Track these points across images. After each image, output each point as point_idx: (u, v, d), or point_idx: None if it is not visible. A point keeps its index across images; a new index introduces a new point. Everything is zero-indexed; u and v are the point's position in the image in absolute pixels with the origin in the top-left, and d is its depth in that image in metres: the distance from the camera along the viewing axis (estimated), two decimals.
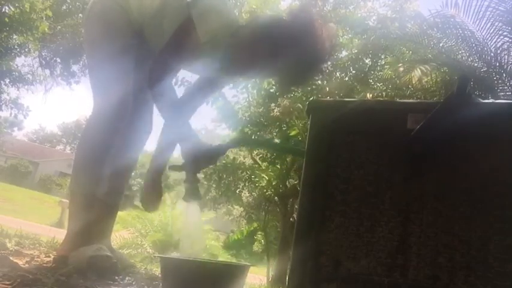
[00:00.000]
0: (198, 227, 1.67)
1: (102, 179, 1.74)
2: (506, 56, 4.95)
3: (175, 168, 1.59)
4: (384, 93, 5.77)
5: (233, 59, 1.63)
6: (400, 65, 5.40)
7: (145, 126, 1.92)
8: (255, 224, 8.29)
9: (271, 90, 6.44)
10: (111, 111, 1.70)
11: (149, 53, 1.80)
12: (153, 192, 1.84)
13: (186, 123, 1.65)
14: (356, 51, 6.63)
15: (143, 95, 1.83)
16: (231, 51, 1.62)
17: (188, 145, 1.55)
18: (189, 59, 1.63)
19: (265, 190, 6.71)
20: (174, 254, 1.43)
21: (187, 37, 1.57)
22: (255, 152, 6.88)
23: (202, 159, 1.53)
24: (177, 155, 1.86)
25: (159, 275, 1.98)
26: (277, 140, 6.27)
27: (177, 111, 1.65)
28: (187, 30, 1.56)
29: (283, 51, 1.49)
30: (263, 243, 8.14)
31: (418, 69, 4.92)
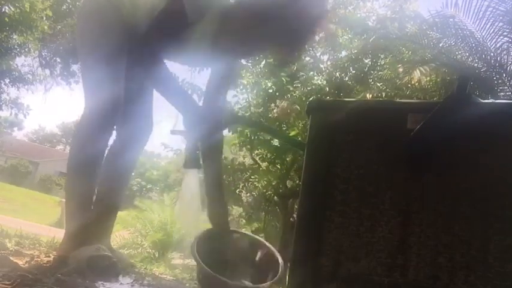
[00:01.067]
0: (195, 201, 1.66)
1: (102, 179, 1.74)
2: (506, 56, 4.95)
3: (175, 132, 1.59)
4: (383, 93, 5.76)
5: (226, 38, 1.61)
6: (400, 65, 5.40)
7: (146, 126, 1.91)
8: (256, 225, 8.29)
9: (271, 91, 6.44)
10: (102, 111, 1.70)
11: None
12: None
13: (187, 95, 1.62)
14: (356, 51, 6.62)
15: (144, 94, 1.82)
16: (224, 31, 1.60)
17: (189, 114, 1.55)
18: (177, 39, 1.60)
19: (264, 190, 6.71)
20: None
21: (174, 14, 1.54)
22: (255, 152, 6.88)
23: (204, 127, 1.53)
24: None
25: (159, 275, 1.99)
26: (277, 142, 6.27)
27: (183, 95, 1.61)
28: (175, 8, 1.54)
29: (275, 20, 1.48)
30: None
31: (418, 70, 4.92)
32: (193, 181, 1.53)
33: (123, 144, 1.78)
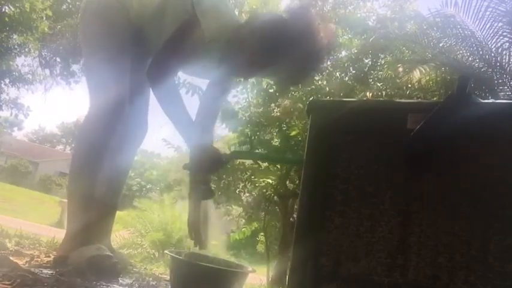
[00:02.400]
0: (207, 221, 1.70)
1: (99, 180, 1.74)
2: (506, 56, 4.95)
3: (187, 167, 1.61)
4: (383, 93, 5.76)
5: (232, 58, 1.64)
6: (400, 65, 5.40)
7: (141, 126, 1.91)
8: (256, 224, 8.31)
9: (271, 91, 6.43)
10: (107, 111, 1.70)
11: (146, 51, 1.80)
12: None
13: (196, 129, 1.66)
14: (356, 51, 6.62)
15: (140, 95, 1.83)
16: (231, 50, 1.63)
17: (196, 151, 1.56)
18: (191, 57, 1.63)
19: (264, 190, 6.70)
20: (185, 251, 1.55)
21: (190, 34, 1.57)
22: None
23: (210, 166, 1.56)
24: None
25: (159, 275, 1.99)
26: (277, 139, 6.26)
27: (184, 119, 1.63)
28: (190, 27, 1.56)
29: (281, 51, 1.51)
30: (271, 245, 8.16)
31: (418, 70, 4.92)
32: (210, 209, 1.57)
33: (119, 144, 1.78)
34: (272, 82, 6.15)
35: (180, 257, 1.46)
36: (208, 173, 1.60)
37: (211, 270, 1.44)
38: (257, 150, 6.83)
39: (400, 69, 5.26)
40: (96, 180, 1.73)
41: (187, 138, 1.61)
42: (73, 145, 2.30)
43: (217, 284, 1.38)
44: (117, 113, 1.70)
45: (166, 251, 1.54)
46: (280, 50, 1.51)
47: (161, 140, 6.04)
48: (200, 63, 1.69)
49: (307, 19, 1.55)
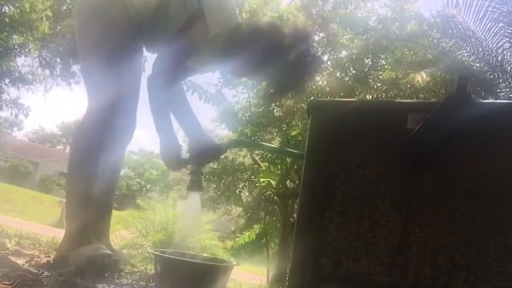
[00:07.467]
0: (197, 221, 1.73)
1: (96, 179, 1.74)
2: (506, 56, 4.95)
3: (181, 160, 1.66)
4: (384, 94, 5.76)
5: (231, 55, 1.67)
6: (400, 67, 5.40)
7: (130, 123, 1.89)
8: (255, 225, 8.32)
9: (271, 91, 6.42)
10: (106, 111, 1.69)
11: (145, 46, 1.80)
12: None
13: (196, 120, 1.72)
14: (356, 51, 6.62)
15: (133, 91, 1.82)
16: (230, 47, 1.65)
17: (196, 141, 1.66)
18: (195, 53, 1.65)
19: (264, 190, 6.70)
20: (169, 250, 1.55)
21: (194, 31, 1.59)
22: (255, 152, 6.87)
23: (207, 154, 1.63)
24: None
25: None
26: (278, 139, 6.27)
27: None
28: (194, 23, 1.58)
29: (276, 56, 1.57)
30: (272, 246, 8.14)
31: (418, 73, 4.92)
32: (196, 202, 1.58)
33: (112, 143, 1.76)
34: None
35: (162, 254, 1.45)
36: (206, 162, 1.66)
37: (189, 264, 1.43)
38: (257, 151, 6.84)
39: (401, 71, 5.27)
40: (94, 179, 1.73)
41: (190, 133, 1.70)
42: (70, 144, 2.29)
43: (199, 278, 1.37)
44: (115, 112, 1.69)
45: (149, 250, 1.57)
46: (274, 54, 1.56)
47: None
48: (201, 58, 1.71)
49: (305, 30, 1.63)
